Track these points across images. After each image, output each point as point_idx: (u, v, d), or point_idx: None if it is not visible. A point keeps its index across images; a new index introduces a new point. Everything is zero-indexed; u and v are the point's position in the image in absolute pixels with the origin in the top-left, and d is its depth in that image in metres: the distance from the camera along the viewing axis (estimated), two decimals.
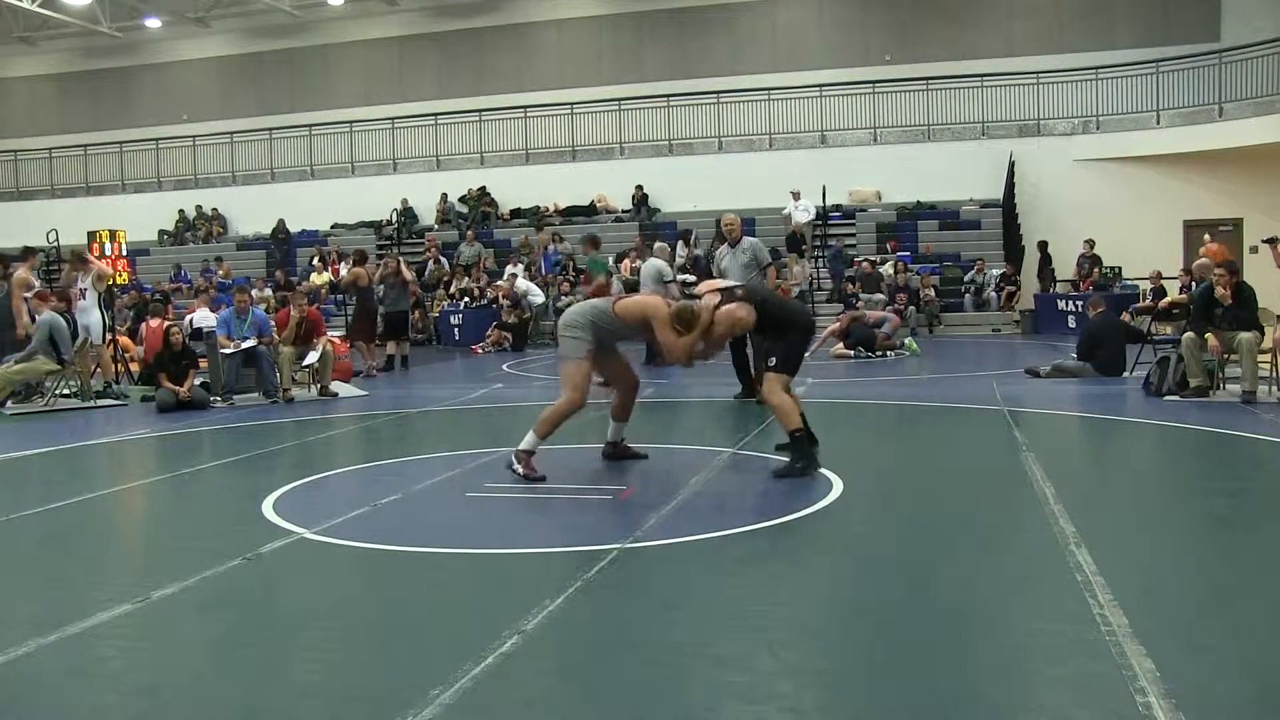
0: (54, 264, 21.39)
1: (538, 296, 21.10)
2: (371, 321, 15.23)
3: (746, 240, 10.76)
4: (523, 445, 6.84)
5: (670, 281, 10.97)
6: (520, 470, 6.79)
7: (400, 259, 16.87)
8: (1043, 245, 21.87)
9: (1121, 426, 9.26)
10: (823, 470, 6.76)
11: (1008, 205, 22.73)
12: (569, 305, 6.97)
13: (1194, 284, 14.13)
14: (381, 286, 15.84)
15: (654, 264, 13.50)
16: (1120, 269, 20.98)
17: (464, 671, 3.48)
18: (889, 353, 15.94)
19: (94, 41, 30.20)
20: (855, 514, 5.88)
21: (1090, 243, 21.38)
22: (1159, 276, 19.64)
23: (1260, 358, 10.16)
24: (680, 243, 21.65)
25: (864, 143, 24.60)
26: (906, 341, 16.62)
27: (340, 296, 20.58)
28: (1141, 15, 23.63)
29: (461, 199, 26.59)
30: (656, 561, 4.92)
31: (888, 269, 21.76)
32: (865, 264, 21.77)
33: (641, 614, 4.17)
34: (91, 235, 14.45)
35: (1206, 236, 20.57)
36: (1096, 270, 20.89)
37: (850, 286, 20.20)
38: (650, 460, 7.52)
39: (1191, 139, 21.73)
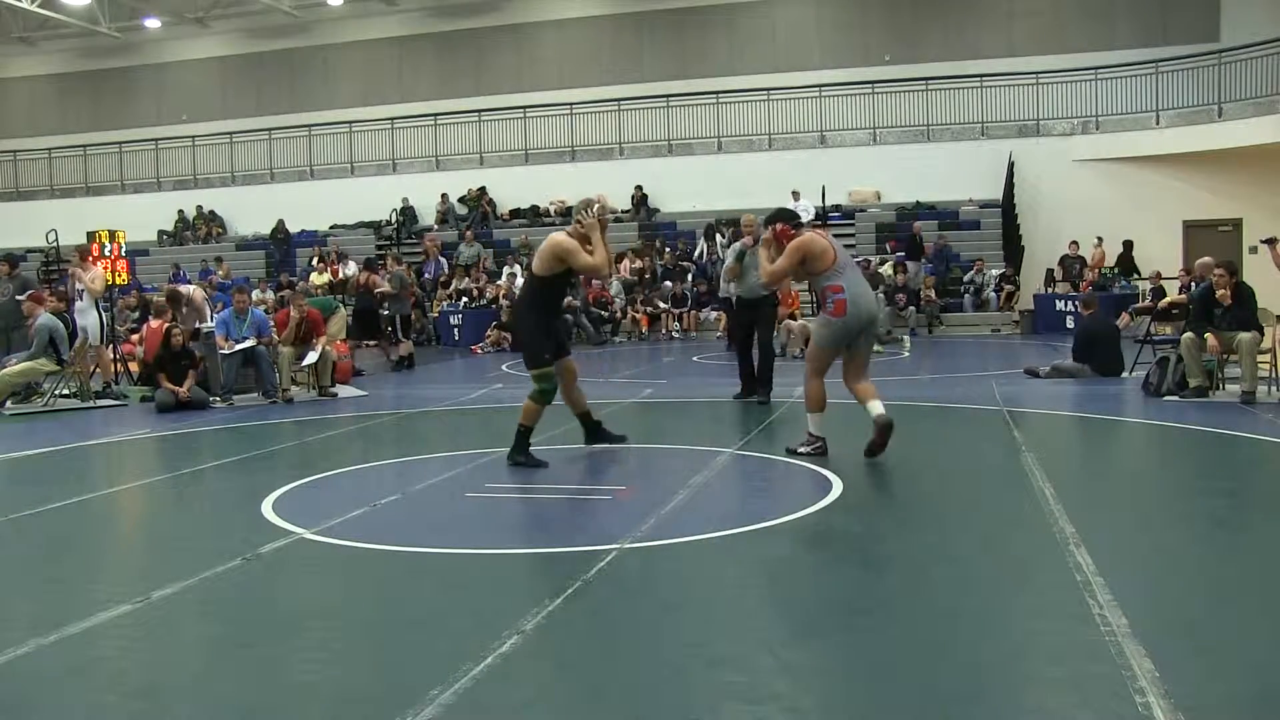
0: (53, 264, 21.41)
1: None
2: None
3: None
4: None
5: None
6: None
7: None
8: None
9: (1121, 427, 9.26)
10: (822, 470, 6.78)
11: (1007, 205, 22.73)
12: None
13: (1194, 284, 14.14)
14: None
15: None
16: (1119, 269, 20.99)
17: (463, 671, 3.48)
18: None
19: (93, 42, 30.19)
20: (854, 514, 5.88)
21: (1076, 244, 21.47)
22: (1159, 277, 19.65)
23: (1260, 358, 10.16)
24: (711, 237, 21.92)
25: (863, 143, 24.59)
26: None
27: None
28: (1141, 15, 23.62)
29: (461, 199, 26.59)
30: (656, 562, 4.92)
31: (887, 269, 21.75)
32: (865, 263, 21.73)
33: (641, 614, 4.17)
34: (91, 235, 14.41)
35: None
36: (1096, 271, 20.90)
37: None
38: (650, 460, 7.52)
39: (1191, 139, 21.73)
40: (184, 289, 14.25)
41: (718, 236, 21.73)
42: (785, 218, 7.60)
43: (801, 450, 7.35)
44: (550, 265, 7.19)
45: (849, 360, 7.35)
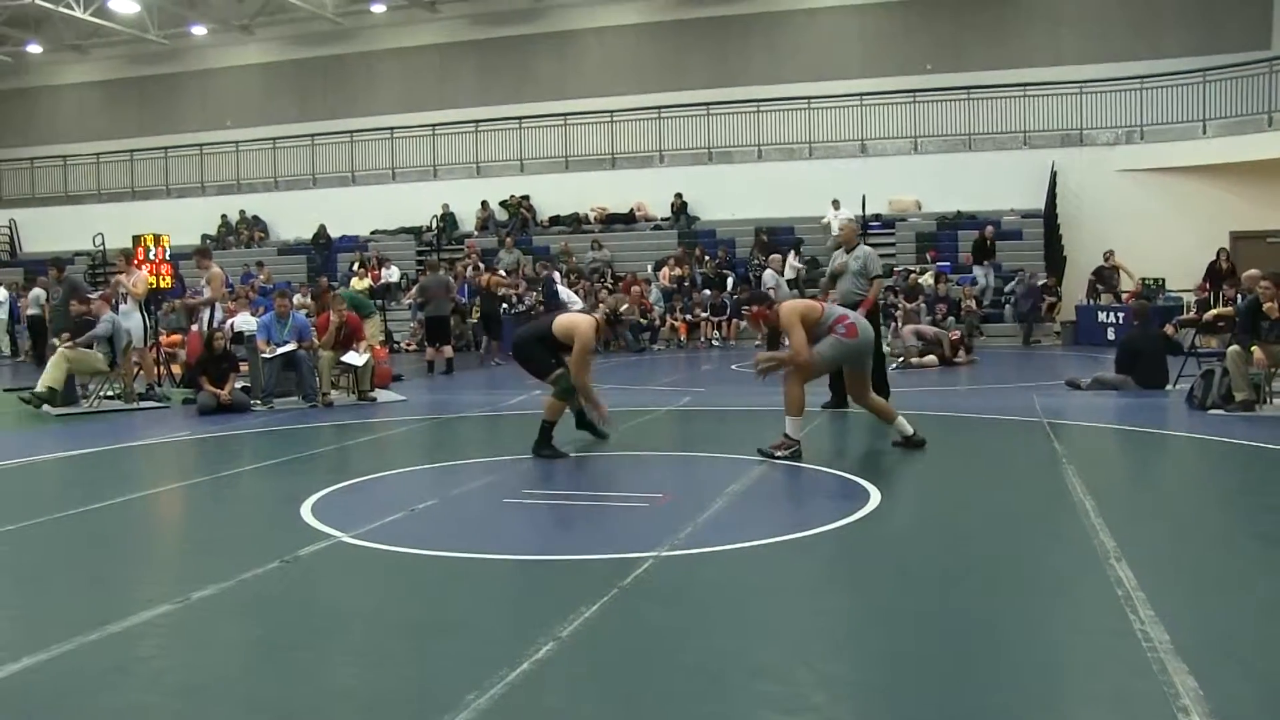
0: (99, 267, 21.71)
1: (576, 303, 21.11)
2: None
3: (861, 249, 10.74)
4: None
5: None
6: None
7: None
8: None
9: (1164, 440, 9.13)
10: (860, 480, 6.74)
11: (1049, 215, 22.51)
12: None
13: (1240, 296, 13.94)
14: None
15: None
16: (1164, 280, 20.71)
17: (499, 677, 3.48)
18: None
19: (141, 49, 30.67)
20: (892, 525, 5.84)
21: (1109, 253, 21.22)
22: (1204, 289, 19.36)
23: None
24: (792, 253, 21.85)
25: (904, 152, 24.47)
26: None
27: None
28: (1190, 24, 23.35)
29: (502, 203, 26.71)
30: (692, 570, 4.90)
31: (927, 279, 21.59)
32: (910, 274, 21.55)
33: (677, 623, 4.16)
34: (136, 239, 14.61)
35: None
36: (1140, 282, 20.61)
37: (891, 297, 20.02)
38: (688, 468, 7.52)
39: (1239, 149, 21.41)
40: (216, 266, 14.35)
41: (777, 255, 21.35)
42: (759, 299, 8.38)
43: (779, 454, 7.58)
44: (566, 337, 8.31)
45: (854, 376, 8.10)
